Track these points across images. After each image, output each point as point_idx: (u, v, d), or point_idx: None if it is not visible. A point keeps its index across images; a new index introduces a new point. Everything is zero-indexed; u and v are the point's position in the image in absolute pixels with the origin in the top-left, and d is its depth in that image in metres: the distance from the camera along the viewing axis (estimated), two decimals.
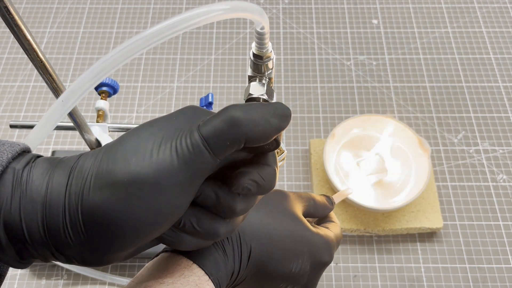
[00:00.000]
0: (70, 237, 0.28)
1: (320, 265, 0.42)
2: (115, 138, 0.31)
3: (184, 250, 0.34)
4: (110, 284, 0.70)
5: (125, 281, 0.67)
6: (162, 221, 0.28)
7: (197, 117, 0.29)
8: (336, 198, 0.49)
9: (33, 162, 0.29)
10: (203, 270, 0.35)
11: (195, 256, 0.36)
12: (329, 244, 0.42)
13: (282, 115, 0.29)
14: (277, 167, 0.32)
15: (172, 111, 0.82)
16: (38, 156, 0.31)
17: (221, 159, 0.29)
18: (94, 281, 0.70)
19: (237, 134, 0.28)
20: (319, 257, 0.41)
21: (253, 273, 0.39)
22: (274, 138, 0.30)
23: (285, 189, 0.78)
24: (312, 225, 0.43)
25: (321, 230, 0.43)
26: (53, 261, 0.30)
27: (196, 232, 0.31)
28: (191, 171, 0.28)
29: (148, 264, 0.37)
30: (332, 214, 0.47)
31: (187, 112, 0.30)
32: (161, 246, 0.39)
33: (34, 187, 0.28)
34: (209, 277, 0.35)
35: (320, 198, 0.46)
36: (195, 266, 0.35)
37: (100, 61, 0.30)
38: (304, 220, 0.42)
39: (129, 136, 0.29)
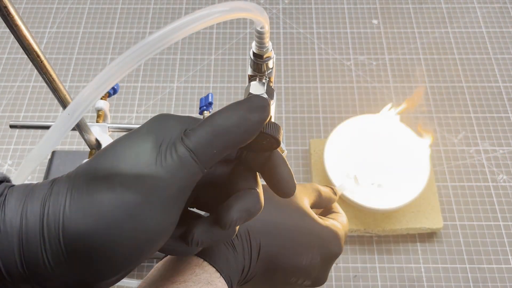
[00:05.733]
0: (51, 269, 0.27)
1: (330, 257, 0.42)
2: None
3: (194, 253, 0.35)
4: None
5: (126, 281, 0.67)
6: (154, 240, 0.28)
7: (173, 128, 0.29)
8: (338, 191, 0.49)
9: (5, 195, 0.28)
10: (214, 267, 0.36)
11: (205, 254, 0.36)
12: (338, 236, 0.43)
13: (260, 107, 0.29)
14: (260, 188, 0.32)
15: (172, 111, 0.83)
16: (13, 185, 0.29)
17: (208, 168, 0.28)
18: None
19: (222, 142, 0.28)
20: (329, 248, 0.42)
21: (264, 268, 0.39)
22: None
23: None
24: (319, 217, 0.43)
25: (328, 222, 0.43)
26: None
27: (212, 242, 0.31)
28: (179, 184, 0.27)
29: (158, 265, 0.37)
30: (337, 205, 0.48)
31: (159, 123, 0.29)
32: None
33: (8, 219, 0.27)
34: (220, 274, 0.35)
35: (324, 189, 0.46)
36: (205, 263, 0.36)
37: (104, 72, 0.30)
38: (312, 212, 0.42)
39: (106, 156, 0.28)
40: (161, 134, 0.28)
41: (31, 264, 0.27)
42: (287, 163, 0.33)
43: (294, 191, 0.33)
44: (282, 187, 0.33)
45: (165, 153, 0.27)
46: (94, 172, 0.27)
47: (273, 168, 0.32)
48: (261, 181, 0.34)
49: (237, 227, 0.32)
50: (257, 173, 0.34)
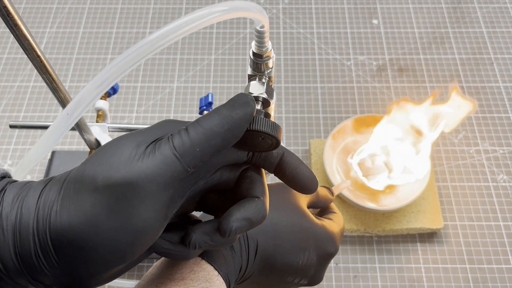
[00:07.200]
0: (43, 264, 0.27)
1: (326, 257, 0.42)
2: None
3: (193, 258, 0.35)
4: (110, 287, 0.69)
5: (126, 283, 0.67)
6: (137, 239, 0.27)
7: (169, 130, 0.29)
8: (335, 190, 0.49)
9: (6, 188, 0.29)
10: (212, 265, 0.36)
11: (204, 252, 0.36)
12: (334, 235, 0.43)
13: (242, 103, 0.29)
14: (266, 197, 0.32)
15: (172, 111, 0.83)
16: (14, 181, 0.30)
17: (193, 167, 0.28)
18: None
19: (206, 141, 0.28)
20: (325, 248, 0.42)
21: (261, 267, 0.39)
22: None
23: None
24: (315, 217, 0.43)
25: (325, 222, 0.43)
26: None
27: (210, 246, 0.31)
28: (160, 181, 0.27)
29: (157, 263, 0.37)
30: (333, 205, 0.48)
31: (159, 126, 0.30)
32: None
33: (5, 214, 0.27)
34: (218, 272, 0.36)
35: (321, 189, 0.46)
36: (204, 262, 0.36)
37: (103, 72, 0.30)
38: (309, 212, 0.42)
39: (95, 156, 0.28)
40: (150, 136, 0.29)
41: (24, 258, 0.27)
42: (301, 160, 0.33)
43: (317, 186, 0.33)
44: (305, 185, 0.33)
45: (149, 152, 0.27)
46: (83, 172, 0.28)
47: (290, 168, 0.32)
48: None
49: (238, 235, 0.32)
50: (265, 180, 0.34)
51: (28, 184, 0.29)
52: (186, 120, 0.31)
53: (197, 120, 0.29)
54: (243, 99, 0.29)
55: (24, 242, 0.27)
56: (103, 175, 0.27)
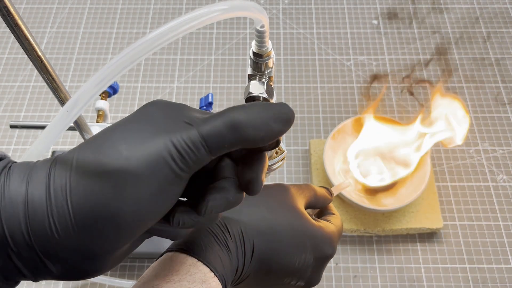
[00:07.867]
0: (58, 234, 0.27)
1: (323, 258, 0.42)
2: None
3: (182, 238, 0.35)
4: (110, 287, 0.69)
5: (125, 283, 0.67)
6: (156, 212, 0.28)
7: (178, 111, 0.29)
8: (334, 191, 0.49)
9: (9, 167, 0.29)
10: (208, 267, 0.36)
11: (200, 253, 0.36)
12: (331, 237, 0.43)
13: (285, 120, 0.29)
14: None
15: None
16: (14, 162, 0.30)
17: (216, 157, 0.29)
18: (93, 284, 0.70)
19: (236, 138, 0.28)
20: (322, 250, 0.42)
21: (258, 269, 0.39)
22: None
23: None
24: (313, 218, 0.43)
25: (322, 223, 0.43)
26: (42, 280, 0.29)
27: (195, 223, 0.31)
28: (185, 165, 0.28)
29: (153, 264, 0.37)
30: (332, 206, 0.48)
31: (164, 106, 0.30)
32: (164, 246, 0.39)
33: (13, 188, 0.27)
34: (215, 274, 0.36)
35: (320, 190, 0.46)
36: (200, 263, 0.36)
37: (104, 69, 0.30)
38: (306, 213, 0.42)
39: (115, 128, 0.29)
40: (167, 118, 0.29)
41: (37, 231, 0.27)
42: (265, 162, 0.32)
43: (257, 191, 0.32)
44: (247, 184, 0.32)
45: (175, 133, 0.28)
46: (102, 141, 0.28)
47: (247, 163, 0.32)
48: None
49: (220, 214, 0.32)
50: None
51: (32, 162, 0.29)
52: None
53: (238, 112, 0.28)
54: (288, 116, 0.29)
55: (37, 214, 0.27)
56: (127, 150, 0.27)
